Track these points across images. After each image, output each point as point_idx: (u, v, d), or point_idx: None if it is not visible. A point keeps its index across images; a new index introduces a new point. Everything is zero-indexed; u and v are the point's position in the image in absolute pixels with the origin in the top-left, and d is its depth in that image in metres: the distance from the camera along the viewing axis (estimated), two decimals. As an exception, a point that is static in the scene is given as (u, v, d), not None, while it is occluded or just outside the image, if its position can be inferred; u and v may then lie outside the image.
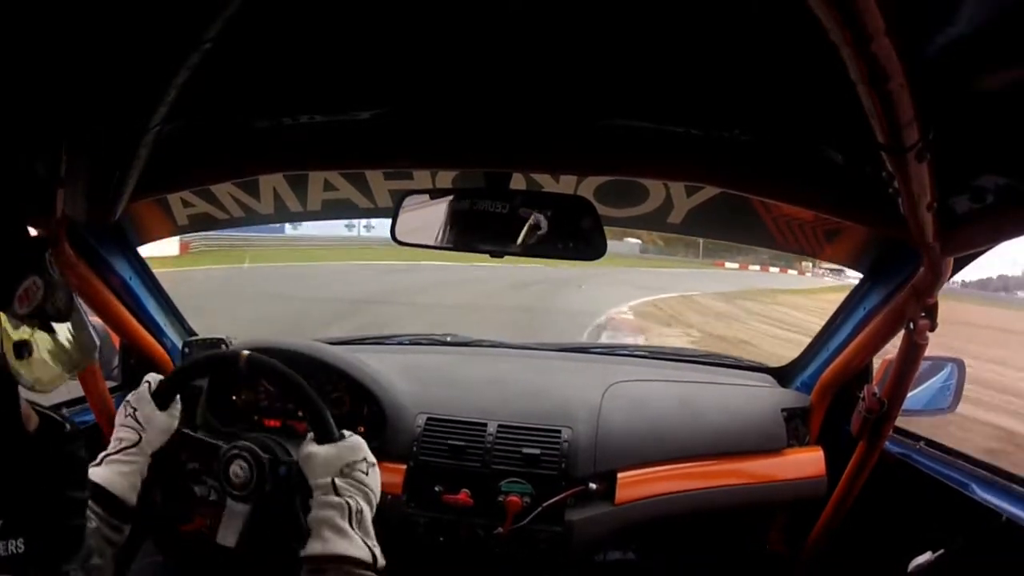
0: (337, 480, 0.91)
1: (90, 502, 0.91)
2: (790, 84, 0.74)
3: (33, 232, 0.83)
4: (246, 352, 1.02)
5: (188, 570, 1.18)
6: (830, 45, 0.51)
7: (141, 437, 1.00)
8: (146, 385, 1.05)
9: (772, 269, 34.87)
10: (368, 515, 0.92)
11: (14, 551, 0.62)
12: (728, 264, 35.80)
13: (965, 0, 0.50)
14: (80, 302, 0.83)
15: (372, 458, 0.96)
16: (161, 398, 1.04)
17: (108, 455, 0.99)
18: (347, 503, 0.90)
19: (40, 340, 0.71)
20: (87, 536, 0.89)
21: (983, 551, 1.11)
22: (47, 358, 0.73)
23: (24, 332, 0.69)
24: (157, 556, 1.21)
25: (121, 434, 1.01)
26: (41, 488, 0.68)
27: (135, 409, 1.02)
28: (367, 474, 0.94)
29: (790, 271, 34.57)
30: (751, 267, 35.19)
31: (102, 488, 0.94)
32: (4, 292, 0.67)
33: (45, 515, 0.68)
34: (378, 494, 0.96)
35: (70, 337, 0.77)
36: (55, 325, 0.74)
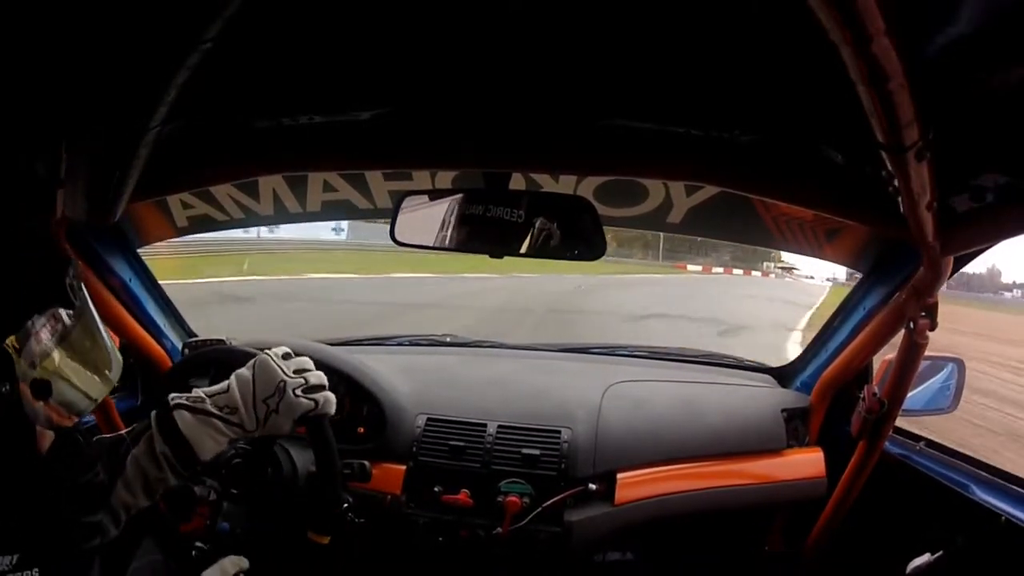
0: None
1: (167, 451, 0.84)
2: (790, 84, 0.75)
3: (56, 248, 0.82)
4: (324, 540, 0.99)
5: (188, 570, 1.18)
6: (830, 45, 0.51)
7: (256, 430, 0.90)
8: (310, 405, 0.92)
9: (736, 271, 31.80)
10: None
11: None
12: (690, 266, 31.74)
13: (965, 0, 0.50)
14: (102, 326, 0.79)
15: None
16: (302, 420, 0.94)
17: (211, 414, 0.88)
18: None
19: (67, 369, 0.70)
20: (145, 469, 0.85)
21: (982, 552, 1.11)
22: (74, 386, 0.71)
23: (44, 370, 0.67)
24: (157, 555, 1.21)
25: (241, 408, 0.89)
26: (57, 517, 0.69)
27: (276, 412, 0.90)
28: None
29: (754, 272, 32.09)
30: (714, 269, 31.48)
31: (187, 444, 0.85)
32: (18, 325, 0.66)
33: (60, 543, 0.68)
34: None
35: (97, 363, 0.75)
36: (82, 352, 0.72)
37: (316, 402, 0.92)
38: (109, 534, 0.79)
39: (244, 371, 0.92)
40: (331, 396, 0.95)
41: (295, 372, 0.93)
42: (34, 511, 0.67)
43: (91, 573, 0.72)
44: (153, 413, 0.88)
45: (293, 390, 0.91)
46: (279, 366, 0.92)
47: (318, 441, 0.99)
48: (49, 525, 0.68)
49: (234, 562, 0.91)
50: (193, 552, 0.98)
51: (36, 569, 0.64)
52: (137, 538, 1.23)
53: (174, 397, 0.89)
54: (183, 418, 0.86)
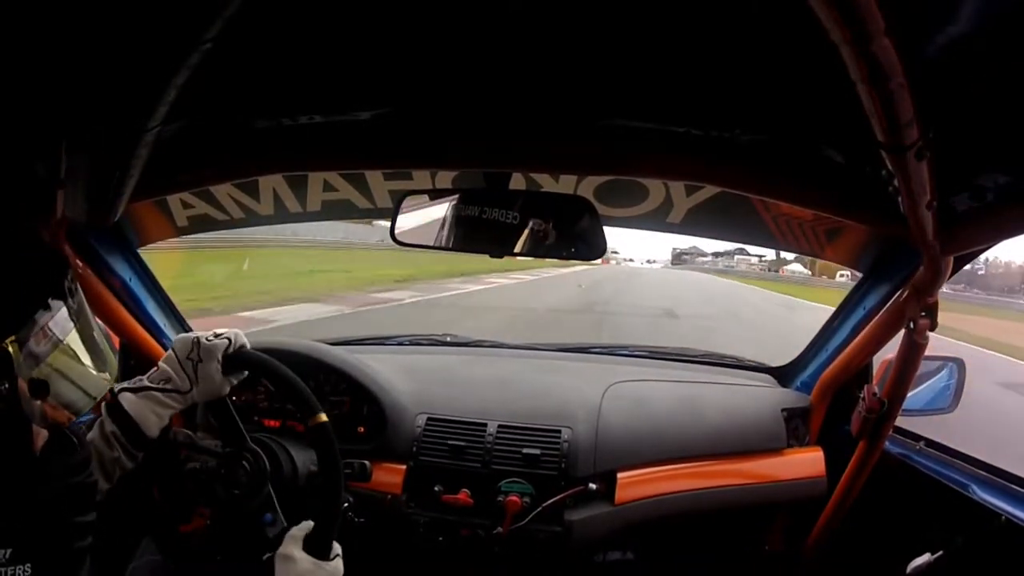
0: None
1: (115, 429, 0.92)
2: (790, 84, 0.74)
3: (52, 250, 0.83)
4: (324, 417, 0.98)
5: (187, 570, 1.17)
6: (830, 45, 0.51)
7: (192, 389, 0.98)
8: (224, 342, 1.01)
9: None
10: None
11: (22, 575, 0.63)
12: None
13: (965, 0, 0.50)
14: (100, 327, 0.81)
15: None
16: (231, 364, 1.01)
17: (149, 388, 0.97)
18: None
19: (67, 367, 0.71)
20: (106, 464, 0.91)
21: (982, 551, 1.11)
22: (74, 384, 0.72)
23: (42, 370, 0.68)
24: (156, 555, 1.21)
25: (173, 374, 0.98)
26: (50, 515, 0.69)
27: (200, 360, 0.99)
28: None
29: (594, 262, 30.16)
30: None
31: (132, 421, 0.93)
32: (19, 325, 0.67)
33: (53, 541, 0.69)
34: None
35: (94, 362, 0.76)
36: (78, 352, 0.73)
37: (229, 338, 1.01)
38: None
39: (168, 351, 1.02)
40: (238, 331, 1.04)
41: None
42: (29, 508, 0.67)
43: (82, 572, 0.72)
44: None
45: (205, 338, 1.01)
46: (191, 333, 1.03)
47: (321, 447, 0.99)
48: (43, 523, 0.68)
49: (301, 528, 0.96)
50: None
51: (29, 565, 0.64)
52: (136, 538, 1.23)
53: (119, 384, 0.98)
54: (126, 398, 0.95)
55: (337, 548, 0.95)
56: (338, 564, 0.93)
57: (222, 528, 1.01)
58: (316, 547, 0.92)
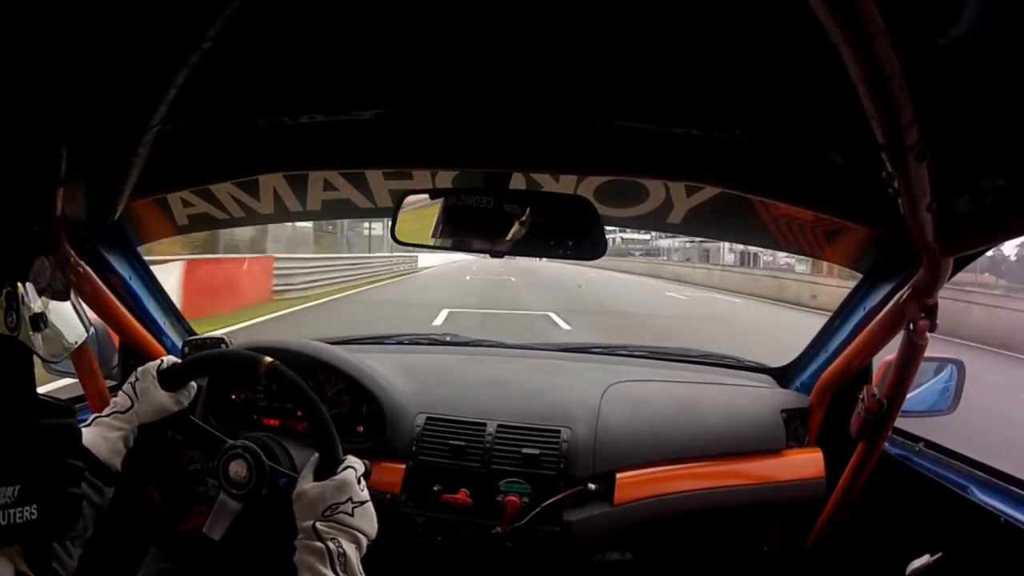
0: (318, 524, 0.88)
1: (76, 462, 0.94)
2: (790, 85, 0.75)
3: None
4: (268, 359, 1.01)
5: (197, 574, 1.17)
6: (830, 46, 0.51)
7: (132, 405, 1.02)
8: (158, 362, 1.07)
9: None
10: (353, 557, 0.87)
11: (28, 518, 0.62)
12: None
13: (965, 1, 0.50)
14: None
15: (361, 495, 0.93)
16: (164, 378, 1.05)
17: (97, 417, 1.01)
18: (328, 547, 0.86)
19: (49, 314, 0.73)
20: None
21: (981, 553, 1.11)
22: (54, 332, 0.75)
23: (40, 305, 0.71)
24: (165, 564, 1.21)
25: (117, 399, 1.03)
26: (46, 457, 0.69)
27: (137, 379, 1.05)
28: (352, 515, 0.90)
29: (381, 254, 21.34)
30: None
31: (87, 450, 0.94)
32: (23, 268, 0.69)
33: (52, 483, 0.68)
34: (370, 531, 0.92)
35: (64, 318, 0.79)
36: (53, 305, 0.76)
37: (162, 361, 1.08)
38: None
39: None
40: (171, 356, 1.12)
41: None
42: (30, 442, 0.67)
43: (82, 524, 0.72)
44: None
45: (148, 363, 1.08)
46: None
47: (282, 385, 1.01)
48: (42, 460, 0.68)
49: (309, 464, 0.98)
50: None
51: (35, 506, 0.64)
52: (143, 546, 1.23)
53: None
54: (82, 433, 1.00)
55: (350, 460, 0.96)
56: (345, 475, 0.94)
57: (251, 525, 1.02)
58: (323, 472, 0.94)
